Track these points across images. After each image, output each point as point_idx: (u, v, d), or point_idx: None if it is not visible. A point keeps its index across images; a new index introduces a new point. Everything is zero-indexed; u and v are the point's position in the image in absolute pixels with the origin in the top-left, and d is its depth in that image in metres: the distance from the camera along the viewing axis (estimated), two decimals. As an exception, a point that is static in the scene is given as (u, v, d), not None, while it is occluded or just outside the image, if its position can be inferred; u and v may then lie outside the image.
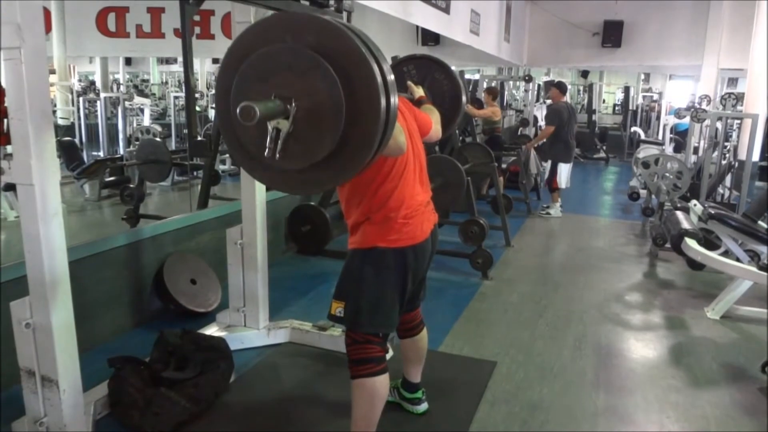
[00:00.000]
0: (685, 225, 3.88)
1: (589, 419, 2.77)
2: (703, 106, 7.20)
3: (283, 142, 1.54)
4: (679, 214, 4.14)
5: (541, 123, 10.41)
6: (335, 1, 2.60)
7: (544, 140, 7.34)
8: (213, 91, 10.54)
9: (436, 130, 2.54)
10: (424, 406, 2.69)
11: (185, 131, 9.23)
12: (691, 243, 3.79)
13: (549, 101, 7.39)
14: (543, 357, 3.38)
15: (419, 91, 2.67)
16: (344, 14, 2.73)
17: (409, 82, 2.71)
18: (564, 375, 3.18)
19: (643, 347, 3.61)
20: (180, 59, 14.28)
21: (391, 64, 3.09)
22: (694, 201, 4.59)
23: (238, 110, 1.42)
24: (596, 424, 2.73)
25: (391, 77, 1.60)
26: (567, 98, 7.86)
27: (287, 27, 1.59)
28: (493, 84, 10.80)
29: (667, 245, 4.64)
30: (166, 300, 3.60)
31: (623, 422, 2.77)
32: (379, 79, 1.54)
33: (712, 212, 4.09)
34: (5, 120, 1.99)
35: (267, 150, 1.55)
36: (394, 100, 1.61)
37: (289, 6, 2.38)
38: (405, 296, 2.25)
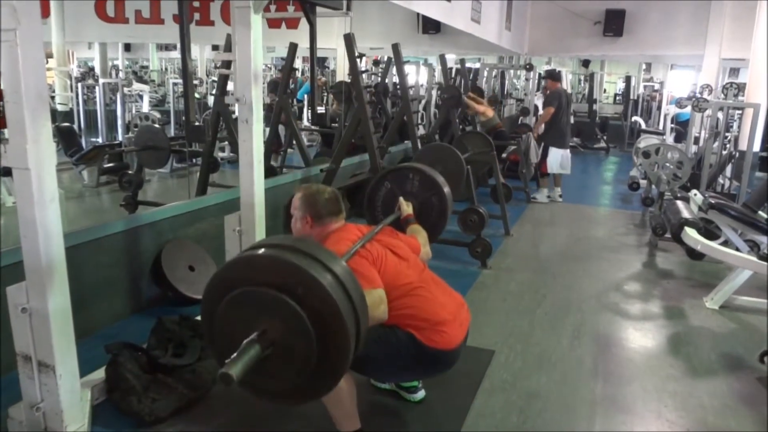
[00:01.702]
0: (685, 214, 3.87)
1: (586, 408, 2.77)
2: (705, 96, 7.14)
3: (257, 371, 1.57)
4: (679, 203, 4.13)
5: (541, 112, 10.35)
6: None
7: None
8: (212, 78, 10.52)
9: (425, 252, 2.63)
10: (421, 394, 2.70)
11: (184, 118, 9.21)
12: (690, 232, 3.78)
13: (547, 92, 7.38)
14: (541, 346, 3.38)
15: (408, 210, 2.77)
16: (344, 2, 2.69)
17: (401, 199, 2.85)
18: (562, 364, 3.18)
19: (641, 337, 3.61)
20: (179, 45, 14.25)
21: (396, 167, 3.25)
22: (695, 191, 4.57)
23: (219, 376, 1.46)
24: (594, 413, 2.73)
25: (341, 267, 1.65)
26: (563, 85, 7.85)
27: (274, 272, 1.62)
28: (493, 73, 10.74)
29: (667, 235, 4.63)
30: (164, 286, 3.60)
31: (621, 411, 2.77)
32: (327, 283, 1.58)
33: (712, 202, 4.07)
34: (1, 103, 1.97)
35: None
36: (355, 290, 1.65)
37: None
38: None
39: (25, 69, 1.87)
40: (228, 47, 4.00)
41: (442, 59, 6.99)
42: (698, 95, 7.50)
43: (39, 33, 1.92)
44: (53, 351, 2.12)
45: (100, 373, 2.59)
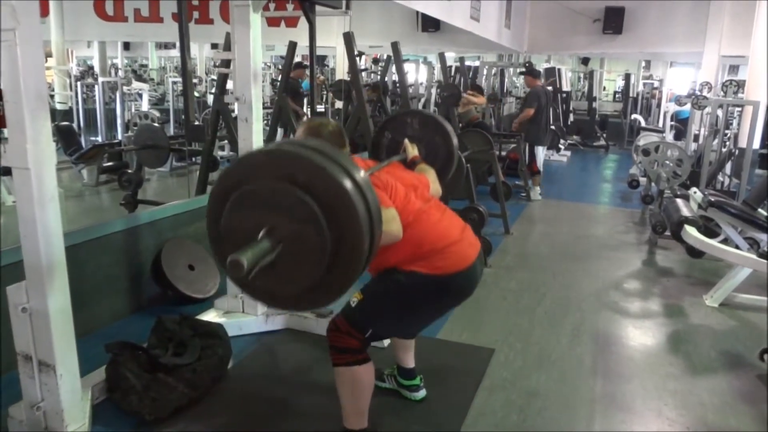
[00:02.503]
0: (685, 212, 3.86)
1: (586, 406, 2.78)
2: (704, 93, 7.14)
3: (261, 270, 1.50)
4: (679, 201, 4.12)
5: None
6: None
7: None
8: (211, 77, 10.50)
9: (435, 189, 2.56)
10: (422, 393, 2.70)
11: (184, 117, 9.21)
12: (690, 230, 3.78)
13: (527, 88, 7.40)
14: (541, 344, 3.38)
15: (414, 151, 2.69)
16: (343, 1, 2.69)
17: (406, 141, 2.73)
18: (562, 362, 3.18)
19: (641, 335, 3.61)
20: (179, 44, 14.25)
21: (395, 114, 3.18)
22: (694, 188, 4.57)
23: (227, 264, 1.40)
24: (593, 411, 2.74)
25: (361, 176, 1.58)
26: (560, 83, 7.83)
27: (263, 165, 1.58)
28: (493, 71, 10.75)
29: (667, 233, 4.63)
30: (164, 285, 3.60)
31: (621, 409, 2.77)
32: (349, 187, 1.51)
33: (712, 200, 4.07)
34: (0, 103, 1.97)
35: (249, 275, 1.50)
36: (372, 197, 1.59)
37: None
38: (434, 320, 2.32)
39: (24, 69, 1.87)
40: (227, 46, 4.00)
41: (442, 57, 6.99)
42: (698, 93, 7.48)
43: (38, 33, 1.92)
44: (53, 350, 2.12)
45: (100, 373, 2.59)
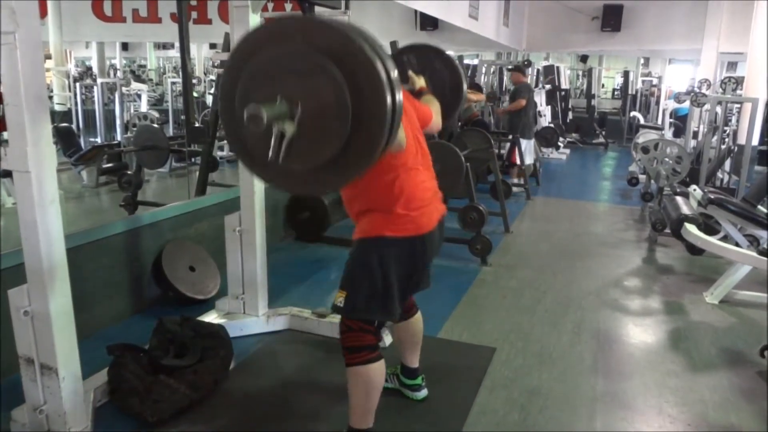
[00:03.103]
0: (685, 210, 3.87)
1: (587, 404, 2.78)
2: (703, 91, 7.14)
3: (287, 145, 1.53)
4: (679, 199, 4.13)
5: (540, 108, 10.38)
6: (334, -16, 2.56)
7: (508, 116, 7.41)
8: (210, 77, 10.50)
9: (436, 122, 2.53)
10: (423, 393, 2.70)
11: (183, 117, 9.20)
12: (690, 228, 3.79)
13: (513, 85, 7.46)
14: (542, 343, 3.39)
15: (420, 82, 2.64)
16: (342, 1, 2.69)
17: (410, 73, 2.66)
18: (563, 361, 3.19)
19: (641, 332, 3.62)
20: (177, 44, 14.25)
21: (391, 54, 3.08)
22: (694, 186, 4.57)
23: (245, 116, 1.40)
24: (595, 409, 2.74)
25: (395, 75, 1.58)
26: (560, 81, 7.84)
27: (290, 28, 1.57)
28: (492, 70, 10.75)
29: (667, 230, 4.64)
30: (165, 287, 3.60)
31: (622, 407, 2.78)
32: (384, 77, 1.52)
33: (712, 197, 4.08)
34: (0, 106, 1.97)
35: (271, 153, 1.54)
36: (400, 99, 1.59)
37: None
38: (410, 286, 2.25)
39: (24, 72, 1.87)
40: (226, 47, 4.00)
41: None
42: (697, 90, 7.49)
43: (38, 36, 1.92)
44: (56, 353, 2.13)
45: (102, 375, 2.60)
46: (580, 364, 3.17)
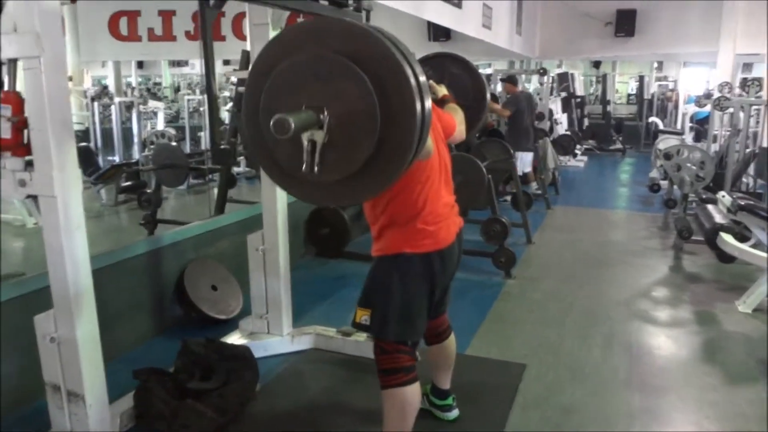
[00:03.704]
0: (719, 218, 3.78)
1: (624, 421, 2.70)
2: (725, 94, 7.03)
3: (320, 154, 1.49)
4: (711, 207, 4.05)
5: (556, 116, 10.30)
6: (354, 0, 2.53)
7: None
8: (225, 93, 10.54)
9: (460, 131, 2.48)
10: (455, 413, 2.63)
11: (199, 134, 9.23)
12: (727, 238, 3.69)
13: (507, 95, 7.33)
14: (572, 357, 3.30)
15: (442, 90, 2.59)
16: (363, 13, 2.66)
17: (431, 82, 2.59)
18: (596, 376, 3.10)
19: (674, 344, 3.52)
20: (191, 61, 14.33)
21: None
22: (722, 192, 4.47)
23: (271, 124, 1.37)
24: (632, 426, 2.66)
25: (423, 79, 1.54)
26: (572, 86, 7.69)
27: (312, 34, 1.54)
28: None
29: (694, 237, 4.54)
30: (188, 307, 3.57)
31: (660, 423, 2.70)
32: (413, 81, 1.48)
33: (742, 203, 3.98)
34: (25, 130, 1.95)
35: (304, 165, 1.50)
36: (429, 102, 1.56)
37: (307, 6, 2.32)
38: (432, 302, 2.20)
39: (49, 96, 1.85)
40: (244, 65, 3.99)
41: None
42: (717, 93, 7.36)
43: (62, 59, 1.90)
44: (82, 380, 2.10)
45: (128, 399, 2.56)
46: (614, 379, 3.08)
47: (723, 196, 4.25)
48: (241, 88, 4.02)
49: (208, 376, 2.71)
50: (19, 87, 1.93)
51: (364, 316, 2.14)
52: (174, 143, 6.94)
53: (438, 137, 2.22)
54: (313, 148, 1.50)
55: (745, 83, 6.87)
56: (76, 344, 2.06)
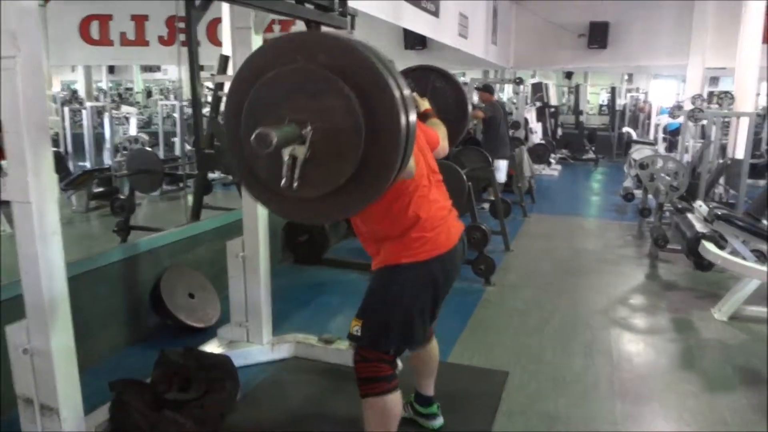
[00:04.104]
0: (700, 228, 3.82)
1: (608, 428, 2.69)
2: (698, 106, 7.16)
3: (300, 170, 1.45)
4: (691, 216, 4.09)
5: (531, 125, 10.40)
6: (339, 4, 2.50)
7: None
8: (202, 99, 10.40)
9: (443, 147, 2.48)
10: (439, 422, 2.60)
11: (173, 139, 9.09)
12: (709, 246, 3.73)
13: (482, 104, 7.35)
14: (554, 365, 3.30)
15: (425, 104, 2.58)
16: (348, 18, 2.63)
17: (414, 94, 2.54)
18: (578, 384, 3.10)
19: (653, 351, 3.55)
20: (163, 67, 14.14)
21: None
22: (699, 202, 4.54)
23: (252, 138, 1.32)
24: (617, 434, 2.66)
25: (408, 92, 1.52)
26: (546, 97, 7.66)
27: (298, 47, 1.51)
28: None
29: (669, 246, 4.58)
30: (164, 315, 3.48)
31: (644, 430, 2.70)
32: (397, 95, 1.46)
33: (719, 213, 4.04)
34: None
35: (284, 179, 1.46)
36: (413, 117, 1.53)
37: (292, 9, 2.29)
38: (435, 310, 2.19)
39: (25, 98, 1.78)
40: (222, 69, 3.93)
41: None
42: (690, 105, 7.50)
43: (39, 60, 1.83)
44: (57, 393, 2.01)
45: (103, 411, 2.46)
46: (596, 387, 3.08)
47: (700, 206, 4.31)
48: (221, 92, 3.98)
49: (187, 387, 2.63)
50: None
51: (356, 327, 2.10)
52: (149, 149, 6.79)
53: (425, 148, 2.21)
54: (293, 163, 1.46)
55: (716, 96, 7.00)
56: (50, 356, 1.98)
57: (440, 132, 2.47)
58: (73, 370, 2.07)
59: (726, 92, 6.68)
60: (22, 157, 1.82)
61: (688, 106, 7.84)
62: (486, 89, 7.43)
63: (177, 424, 2.40)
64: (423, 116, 2.51)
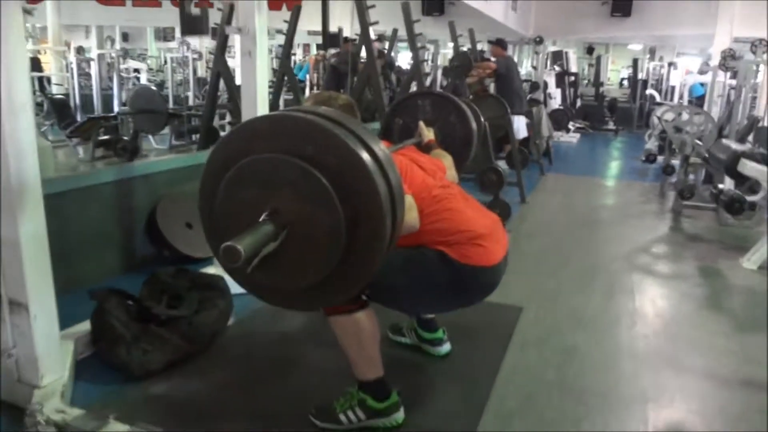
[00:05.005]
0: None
1: (632, 362, 2.49)
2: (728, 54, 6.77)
3: (263, 260, 1.28)
4: (724, 140, 3.83)
5: (550, 90, 10.09)
6: None
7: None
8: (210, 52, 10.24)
9: (451, 175, 2.30)
10: (446, 348, 2.41)
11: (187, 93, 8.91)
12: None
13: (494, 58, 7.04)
14: (572, 304, 3.09)
15: (429, 135, 2.43)
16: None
17: (421, 123, 2.46)
18: (597, 321, 2.90)
19: (679, 295, 3.33)
20: (177, 35, 13.95)
21: (405, 96, 2.90)
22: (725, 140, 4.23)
23: (220, 252, 1.18)
24: (641, 366, 2.45)
25: (383, 152, 1.36)
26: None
27: (278, 131, 1.35)
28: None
29: (694, 203, 4.33)
30: (160, 244, 3.31)
31: (671, 365, 2.48)
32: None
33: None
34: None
35: (249, 267, 1.29)
36: (401, 213, 1.40)
37: None
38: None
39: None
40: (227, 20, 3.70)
41: (452, 26, 6.69)
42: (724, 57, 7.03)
43: None
44: (26, 287, 1.83)
45: (85, 325, 2.31)
46: (617, 324, 2.87)
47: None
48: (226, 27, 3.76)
49: (177, 305, 2.45)
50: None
51: None
52: (153, 87, 6.60)
53: (438, 174, 2.11)
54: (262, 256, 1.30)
55: (752, 44, 6.59)
56: (18, 245, 1.79)
57: (446, 162, 2.32)
58: (45, 262, 1.88)
59: (761, 39, 6.32)
60: (-15, 16, 1.63)
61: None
62: (499, 43, 7.15)
63: (162, 338, 2.23)
64: (426, 147, 2.38)
